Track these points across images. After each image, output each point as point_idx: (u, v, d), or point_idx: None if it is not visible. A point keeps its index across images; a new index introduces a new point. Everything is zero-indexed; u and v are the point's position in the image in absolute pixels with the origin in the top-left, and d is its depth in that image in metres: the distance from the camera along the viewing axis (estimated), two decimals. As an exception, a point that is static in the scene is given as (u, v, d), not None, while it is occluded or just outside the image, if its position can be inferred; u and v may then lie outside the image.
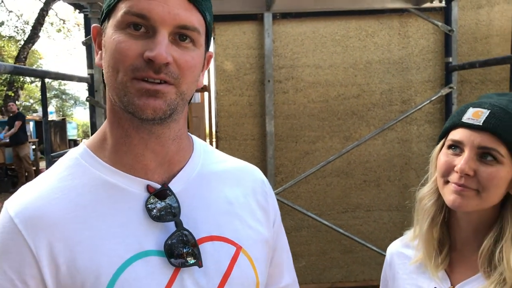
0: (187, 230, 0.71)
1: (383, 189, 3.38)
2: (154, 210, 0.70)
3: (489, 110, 0.92)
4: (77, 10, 2.92)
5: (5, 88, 14.34)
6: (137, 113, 0.67)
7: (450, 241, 1.02)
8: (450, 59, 3.12)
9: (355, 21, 3.29)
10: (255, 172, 0.92)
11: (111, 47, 0.67)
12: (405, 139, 3.35)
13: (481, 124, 0.91)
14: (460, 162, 0.92)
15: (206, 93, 5.91)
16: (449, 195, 0.94)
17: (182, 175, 0.76)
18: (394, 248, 1.13)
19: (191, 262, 0.69)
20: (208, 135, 6.57)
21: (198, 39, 0.70)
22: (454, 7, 3.16)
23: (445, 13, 3.15)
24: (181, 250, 0.69)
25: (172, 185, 0.74)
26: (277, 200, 3.03)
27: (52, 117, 17.04)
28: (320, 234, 3.41)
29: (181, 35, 0.68)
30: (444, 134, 1.00)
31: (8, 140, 8.84)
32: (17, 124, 8.57)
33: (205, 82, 5.76)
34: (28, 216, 0.66)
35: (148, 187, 0.71)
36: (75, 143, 10.24)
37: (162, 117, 0.68)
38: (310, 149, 3.35)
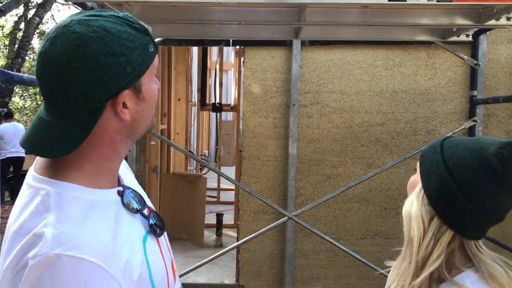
0: (153, 211, 0.94)
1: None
2: (129, 206, 0.88)
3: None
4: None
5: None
6: (152, 129, 0.92)
7: None
8: (475, 93, 3.13)
9: (382, 51, 3.36)
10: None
11: (152, 96, 0.86)
12: (428, 169, 3.35)
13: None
14: None
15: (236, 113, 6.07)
16: None
17: (120, 173, 0.95)
18: None
19: (162, 231, 0.94)
20: (236, 152, 6.66)
21: None
22: (483, 41, 3.18)
23: (472, 47, 3.17)
24: (156, 226, 0.93)
25: (123, 182, 0.93)
26: (296, 222, 3.06)
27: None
28: (338, 258, 3.44)
29: None
30: None
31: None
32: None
33: (235, 103, 5.93)
34: (100, 253, 0.75)
35: (118, 191, 0.87)
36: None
37: None
38: (332, 173, 3.40)
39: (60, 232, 0.72)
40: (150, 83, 0.84)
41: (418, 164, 1.01)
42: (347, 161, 3.40)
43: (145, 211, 0.91)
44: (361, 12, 2.46)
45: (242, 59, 3.54)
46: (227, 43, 3.30)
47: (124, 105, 0.80)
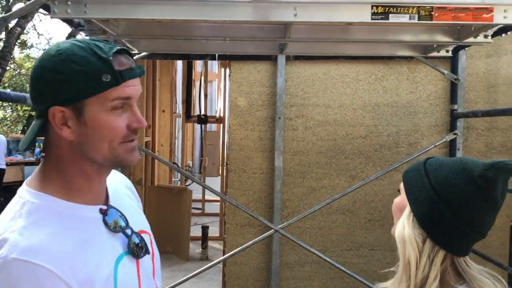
0: (135, 233, 0.97)
1: (387, 229, 3.42)
2: (111, 225, 0.93)
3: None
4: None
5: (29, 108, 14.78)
6: (126, 164, 0.91)
7: None
8: (456, 106, 3.22)
9: (365, 65, 3.43)
10: (122, 178, 1.16)
11: (100, 124, 0.88)
12: (411, 181, 3.41)
13: None
14: None
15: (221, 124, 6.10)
16: None
17: (110, 194, 1.00)
18: None
19: (144, 253, 0.97)
20: (221, 163, 6.68)
21: None
22: (462, 56, 3.28)
23: (452, 62, 3.26)
24: (137, 248, 0.96)
25: (110, 202, 0.98)
26: (283, 235, 3.09)
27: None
28: (323, 270, 3.47)
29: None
30: None
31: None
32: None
33: (221, 114, 5.97)
34: (57, 261, 0.80)
35: (100, 209, 0.93)
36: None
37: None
38: (317, 185, 3.44)
39: (23, 238, 0.80)
40: (100, 112, 0.87)
41: (401, 186, 1.05)
42: (332, 173, 3.45)
43: (129, 231, 0.96)
44: (345, 29, 2.52)
45: (227, 72, 3.57)
46: (212, 57, 3.33)
47: (65, 123, 0.87)
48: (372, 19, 2.05)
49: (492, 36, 2.47)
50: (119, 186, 1.08)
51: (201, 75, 6.78)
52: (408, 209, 1.01)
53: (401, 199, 1.05)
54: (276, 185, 3.31)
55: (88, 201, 0.92)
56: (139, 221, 1.04)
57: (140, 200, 1.16)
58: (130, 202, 1.09)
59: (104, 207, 0.94)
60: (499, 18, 2.03)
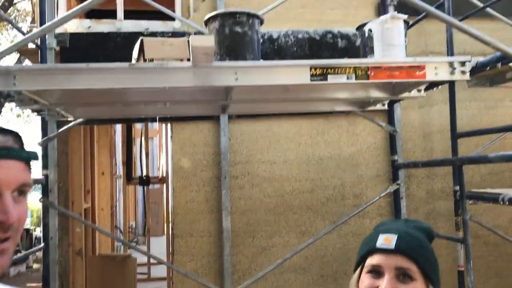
0: None
1: (340, 283, 3.39)
2: None
3: (396, 235, 1.09)
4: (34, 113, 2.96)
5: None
6: None
7: None
8: (396, 157, 3.31)
9: (306, 120, 3.48)
10: None
11: None
12: (359, 233, 3.43)
13: (393, 248, 1.07)
14: (383, 284, 1.02)
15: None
16: None
17: None
18: None
19: None
20: (165, 221, 6.44)
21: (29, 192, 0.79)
22: (397, 108, 3.42)
23: (389, 114, 3.39)
24: None
25: None
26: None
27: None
28: (279, 333, 3.33)
29: (20, 191, 0.76)
30: (361, 261, 1.12)
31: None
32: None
33: (163, 173, 5.82)
34: None
35: None
36: (27, 232, 9.68)
37: (1, 276, 0.73)
38: (267, 244, 3.36)
39: None
40: None
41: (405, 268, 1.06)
42: (281, 230, 3.39)
43: None
44: (285, 88, 2.55)
45: (169, 129, 3.49)
46: (153, 120, 3.26)
47: None
48: (311, 80, 2.08)
49: (425, 90, 2.60)
50: None
51: (141, 133, 6.64)
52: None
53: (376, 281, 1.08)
54: (226, 248, 3.20)
55: None
56: None
57: None
58: None
59: None
60: (431, 75, 2.13)
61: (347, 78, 2.10)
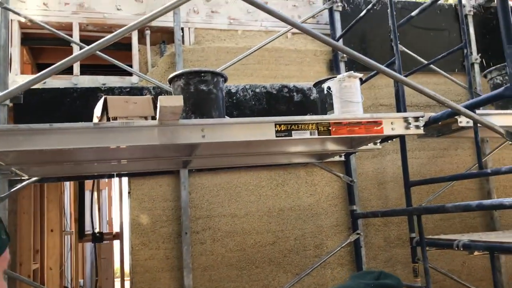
0: None
1: (305, 337, 3.33)
2: None
3: None
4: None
5: None
6: None
7: None
8: (355, 207, 3.39)
9: (266, 172, 3.51)
10: None
11: None
12: (321, 284, 3.43)
13: None
14: None
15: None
16: None
17: None
18: None
19: None
20: (119, 277, 6.13)
21: None
22: (352, 158, 3.54)
23: (345, 165, 3.50)
24: None
25: None
26: None
27: None
28: None
29: None
30: None
31: None
32: None
33: (117, 230, 5.61)
34: None
35: None
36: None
37: None
38: (230, 300, 3.28)
39: None
40: None
41: None
42: (244, 286, 3.33)
43: None
44: (248, 143, 2.59)
45: (127, 188, 3.40)
46: (110, 176, 3.18)
47: None
48: (276, 136, 2.13)
49: (380, 142, 2.72)
50: None
51: (92, 187, 6.42)
52: None
53: None
54: (188, 307, 3.09)
55: None
56: None
57: None
58: None
59: None
60: (388, 130, 2.24)
61: (310, 133, 2.17)
